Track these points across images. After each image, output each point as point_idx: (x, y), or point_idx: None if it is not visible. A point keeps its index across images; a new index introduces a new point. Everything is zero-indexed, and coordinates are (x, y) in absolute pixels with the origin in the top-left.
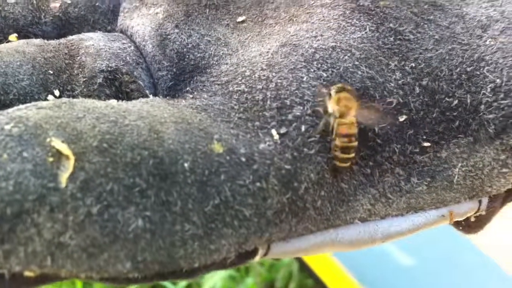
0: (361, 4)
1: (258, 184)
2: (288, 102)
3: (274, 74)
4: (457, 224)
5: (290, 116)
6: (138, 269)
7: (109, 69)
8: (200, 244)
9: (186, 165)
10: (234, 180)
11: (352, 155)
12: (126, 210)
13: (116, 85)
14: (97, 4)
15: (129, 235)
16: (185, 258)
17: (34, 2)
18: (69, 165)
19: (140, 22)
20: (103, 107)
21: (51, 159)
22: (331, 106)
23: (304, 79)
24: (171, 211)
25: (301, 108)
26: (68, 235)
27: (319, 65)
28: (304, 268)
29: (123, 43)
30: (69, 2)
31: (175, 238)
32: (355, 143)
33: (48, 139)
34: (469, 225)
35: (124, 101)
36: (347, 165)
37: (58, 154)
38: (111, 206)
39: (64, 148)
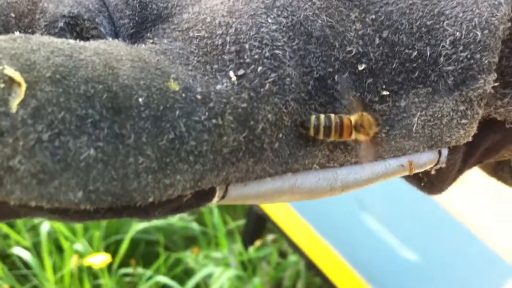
0: None
1: (214, 120)
2: (247, 46)
3: (234, 20)
4: (418, 181)
5: (248, 59)
6: (90, 199)
7: (70, 14)
8: (154, 177)
9: (140, 100)
10: (189, 116)
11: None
12: (78, 139)
13: (77, 31)
14: None
15: (81, 163)
16: (139, 191)
17: None
18: (21, 92)
19: None
20: (59, 42)
21: (2, 85)
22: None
23: (264, 24)
24: (124, 143)
25: (259, 51)
26: (17, 159)
27: (279, 12)
28: (311, 266)
29: None
30: None
31: (129, 170)
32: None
33: (0, 67)
34: (431, 182)
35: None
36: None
37: (10, 81)
38: (62, 134)
39: (16, 75)
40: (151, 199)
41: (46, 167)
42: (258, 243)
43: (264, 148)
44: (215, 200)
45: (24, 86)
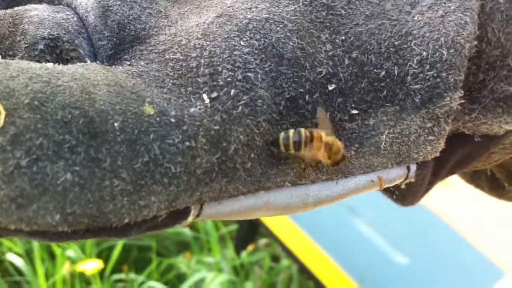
0: None
1: (187, 143)
2: (220, 68)
3: (208, 42)
4: (391, 194)
5: (221, 82)
6: (68, 222)
7: (50, 36)
8: (130, 199)
9: (116, 124)
10: (163, 139)
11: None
12: (55, 164)
13: (57, 53)
14: None
15: (58, 187)
16: (114, 213)
17: None
18: (0, 120)
19: None
20: (38, 68)
21: None
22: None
23: (237, 47)
24: (100, 167)
25: (232, 74)
26: None
27: (252, 34)
28: (303, 270)
29: (67, 14)
30: None
31: (104, 192)
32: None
33: None
34: (403, 195)
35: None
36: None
37: None
38: (40, 159)
39: None
40: (126, 220)
41: (24, 192)
42: (250, 247)
43: (237, 168)
44: (190, 218)
45: (3, 113)
